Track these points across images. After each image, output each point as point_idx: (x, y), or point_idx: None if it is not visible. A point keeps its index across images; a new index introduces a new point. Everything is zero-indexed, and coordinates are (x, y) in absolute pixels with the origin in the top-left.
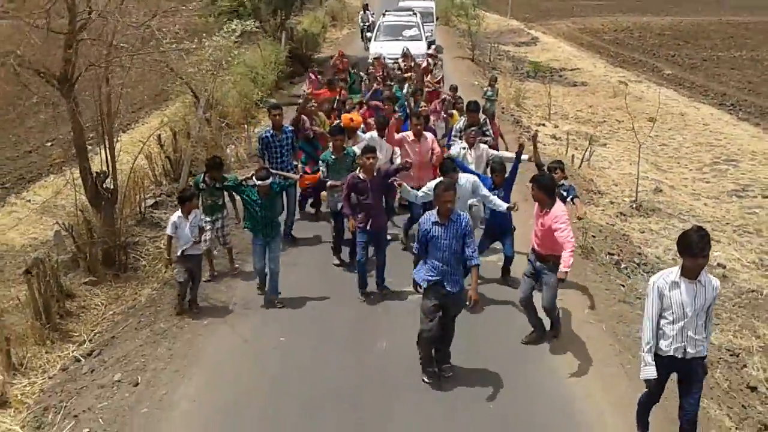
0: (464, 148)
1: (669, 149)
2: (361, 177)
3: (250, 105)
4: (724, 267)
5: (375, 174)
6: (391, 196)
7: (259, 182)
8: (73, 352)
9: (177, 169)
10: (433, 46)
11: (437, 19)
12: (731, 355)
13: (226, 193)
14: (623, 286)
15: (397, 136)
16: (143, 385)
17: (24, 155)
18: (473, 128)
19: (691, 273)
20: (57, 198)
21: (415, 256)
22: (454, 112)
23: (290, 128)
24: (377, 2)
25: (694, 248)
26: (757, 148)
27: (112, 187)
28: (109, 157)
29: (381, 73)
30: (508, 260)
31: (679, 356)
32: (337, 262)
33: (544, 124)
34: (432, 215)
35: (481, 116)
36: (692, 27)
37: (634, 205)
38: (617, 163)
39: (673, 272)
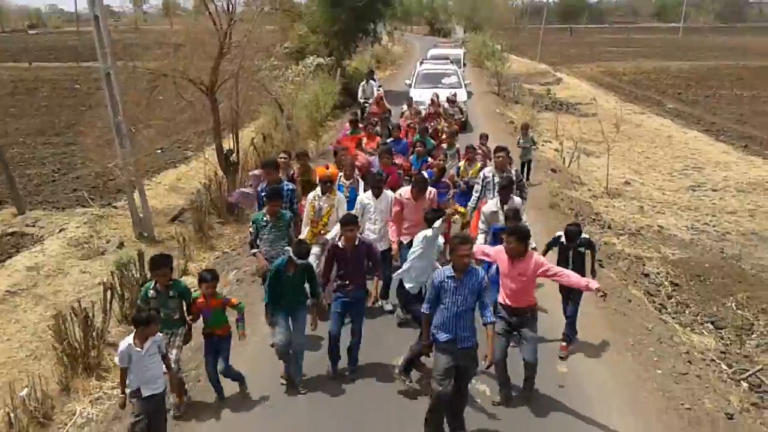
0: (497, 205)
1: (650, 161)
2: (341, 246)
3: (314, 123)
4: (662, 227)
5: (356, 244)
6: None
7: (295, 257)
8: (222, 252)
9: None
10: (453, 91)
11: (465, 65)
12: (637, 258)
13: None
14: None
15: (395, 195)
16: None
17: (142, 158)
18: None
19: None
20: (179, 182)
21: (424, 316)
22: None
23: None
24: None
25: None
26: (721, 159)
27: (236, 161)
28: (235, 140)
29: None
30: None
31: None
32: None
33: (550, 142)
34: (447, 270)
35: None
36: (708, 71)
37: (604, 191)
38: (604, 168)
39: None
